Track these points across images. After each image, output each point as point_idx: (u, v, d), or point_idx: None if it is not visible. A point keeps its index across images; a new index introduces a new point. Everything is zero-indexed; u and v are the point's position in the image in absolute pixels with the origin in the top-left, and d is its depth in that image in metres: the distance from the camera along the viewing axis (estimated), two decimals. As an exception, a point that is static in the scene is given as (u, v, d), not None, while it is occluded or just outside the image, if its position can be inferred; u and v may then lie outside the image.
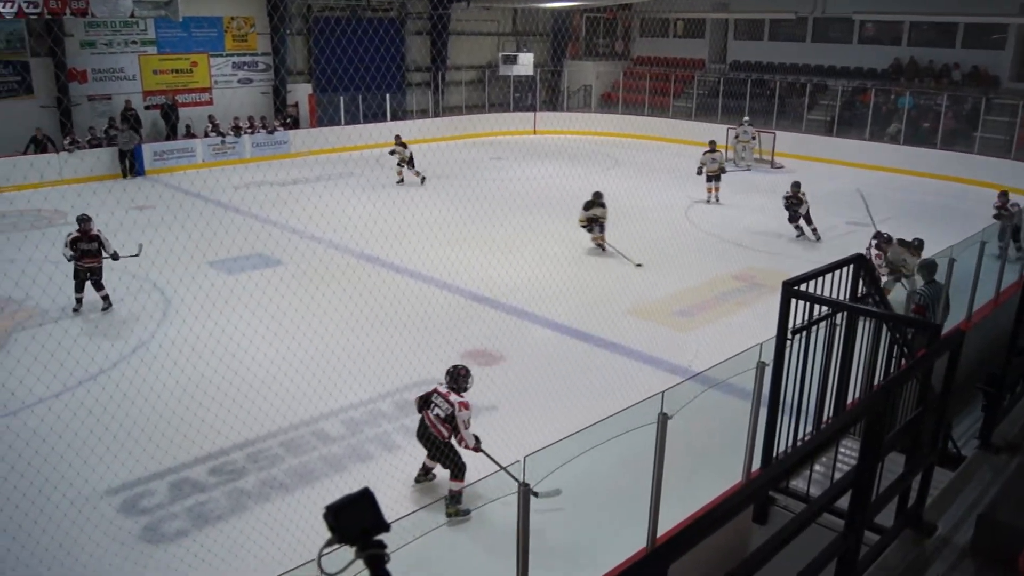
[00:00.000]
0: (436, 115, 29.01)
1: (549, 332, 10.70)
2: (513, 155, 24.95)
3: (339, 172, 21.59)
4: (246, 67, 26.08)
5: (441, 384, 6.87)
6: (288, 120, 25.71)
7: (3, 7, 18.56)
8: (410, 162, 20.30)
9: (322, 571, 1.89)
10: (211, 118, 24.03)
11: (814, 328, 5.22)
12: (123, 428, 7.86)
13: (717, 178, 18.59)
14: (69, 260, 11.24)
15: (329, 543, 1.80)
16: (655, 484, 4.98)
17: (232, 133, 23.80)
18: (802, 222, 15.56)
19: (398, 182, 20.29)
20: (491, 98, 31.37)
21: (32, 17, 20.10)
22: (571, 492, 6.15)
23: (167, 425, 7.86)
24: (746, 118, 24.12)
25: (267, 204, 17.24)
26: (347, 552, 1.81)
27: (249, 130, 24.29)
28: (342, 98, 25.88)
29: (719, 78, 28.82)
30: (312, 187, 18.98)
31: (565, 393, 8.66)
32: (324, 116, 26.52)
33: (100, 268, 11.41)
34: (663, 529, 4.99)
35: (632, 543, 5.08)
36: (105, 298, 11.46)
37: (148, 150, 22.28)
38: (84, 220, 11.50)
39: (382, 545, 1.80)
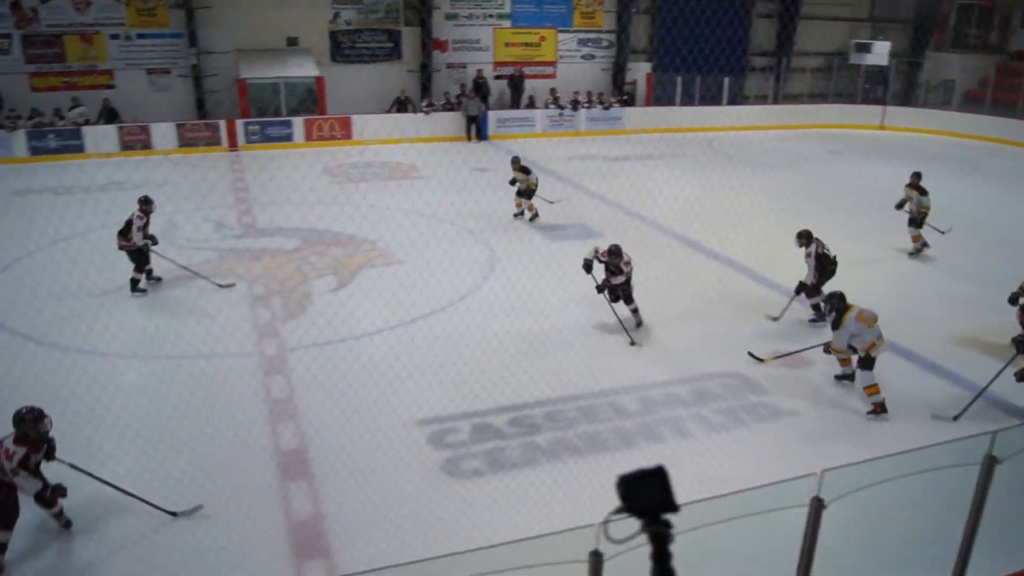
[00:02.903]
0: (775, 102, 27.91)
1: (866, 343, 9.92)
2: (853, 150, 23.29)
3: (669, 152, 21.62)
4: (590, 43, 26.92)
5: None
6: (625, 97, 26.20)
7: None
8: (528, 194, 14.54)
9: (607, 537, 1.97)
10: (553, 91, 25.21)
11: None
12: (442, 367, 8.66)
13: (919, 223, 12.97)
14: (150, 243, 10.96)
15: (617, 511, 1.85)
16: (968, 530, 4.50)
17: (570, 106, 24.78)
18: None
19: (531, 218, 14.76)
20: (836, 88, 29.47)
21: (410, -10, 22.48)
22: (868, 517, 5.74)
23: (480, 371, 8.49)
24: None
25: (595, 177, 17.79)
26: (632, 523, 1.86)
27: (587, 104, 25.13)
28: (680, 78, 25.83)
29: (1123, 80, 24.53)
30: (640, 164, 19.24)
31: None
32: (660, 95, 26.65)
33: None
34: (972, 581, 4.52)
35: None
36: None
37: (493, 117, 24.00)
38: (147, 202, 10.95)
39: (668, 524, 1.82)
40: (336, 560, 5.87)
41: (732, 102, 26.75)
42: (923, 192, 12.96)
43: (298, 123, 22.16)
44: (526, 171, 14.47)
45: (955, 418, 7.85)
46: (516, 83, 25.37)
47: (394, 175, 18.63)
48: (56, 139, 20.28)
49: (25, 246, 12.63)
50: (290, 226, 13.98)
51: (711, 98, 26.41)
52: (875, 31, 29.10)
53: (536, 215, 14.73)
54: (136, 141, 20.89)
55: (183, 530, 6.10)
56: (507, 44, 25.98)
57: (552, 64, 26.61)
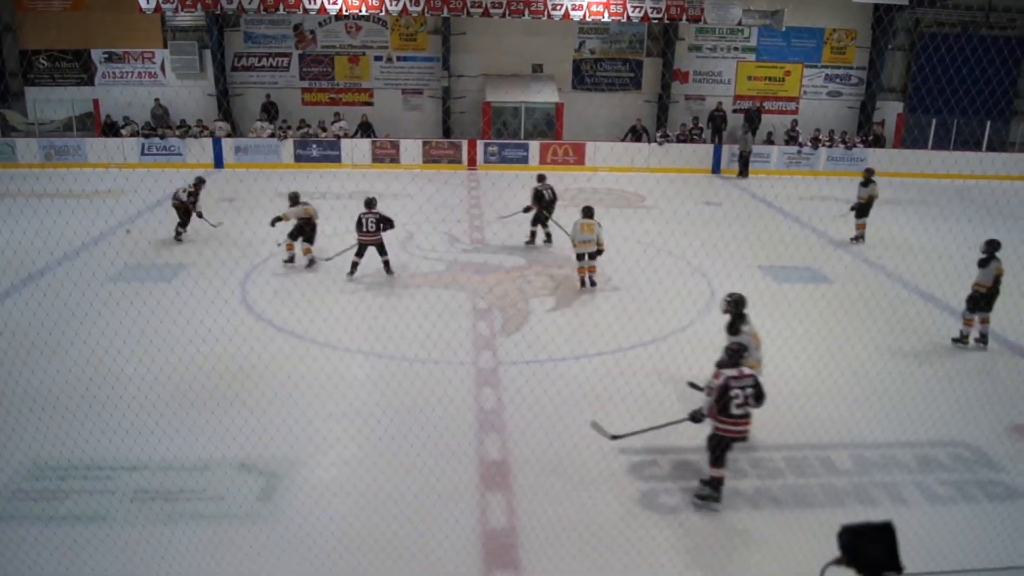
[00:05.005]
0: (1045, 150, 25.30)
1: None
2: None
3: (912, 198, 20.24)
4: (838, 80, 25.79)
5: None
6: (870, 138, 24.80)
7: (651, 12, 21.47)
8: (301, 234, 12.93)
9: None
10: (794, 123, 24.43)
11: None
12: (649, 399, 8.61)
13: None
14: (188, 203, 14.43)
15: (836, 562, 1.80)
16: None
17: (810, 144, 23.83)
18: None
19: (287, 259, 13.12)
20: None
21: (654, 22, 22.65)
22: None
23: (686, 407, 8.36)
24: None
25: (827, 219, 17.00)
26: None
27: (828, 143, 24.06)
28: (934, 120, 24.07)
29: None
30: (882, 210, 18.09)
31: None
32: (909, 138, 24.97)
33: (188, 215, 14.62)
34: None
35: None
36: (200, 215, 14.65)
37: (726, 151, 23.58)
38: (200, 181, 14.86)
39: (889, 584, 1.73)
40: (524, 574, 5.98)
41: (992, 148, 24.51)
42: (866, 184, 15.40)
43: (534, 146, 23.02)
44: (295, 200, 12.88)
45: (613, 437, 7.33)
46: (752, 117, 24.80)
47: (620, 203, 18.78)
48: (318, 149, 22.46)
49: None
50: (517, 245, 14.51)
51: (966, 143, 24.36)
52: None
53: (292, 259, 13.03)
54: (386, 155, 22.68)
55: (382, 521, 6.45)
56: (749, 78, 25.50)
57: (795, 100, 25.77)
